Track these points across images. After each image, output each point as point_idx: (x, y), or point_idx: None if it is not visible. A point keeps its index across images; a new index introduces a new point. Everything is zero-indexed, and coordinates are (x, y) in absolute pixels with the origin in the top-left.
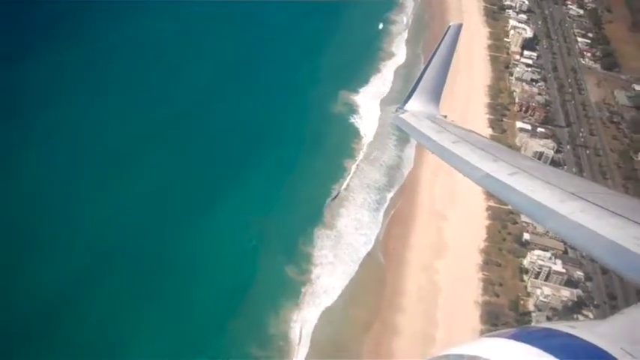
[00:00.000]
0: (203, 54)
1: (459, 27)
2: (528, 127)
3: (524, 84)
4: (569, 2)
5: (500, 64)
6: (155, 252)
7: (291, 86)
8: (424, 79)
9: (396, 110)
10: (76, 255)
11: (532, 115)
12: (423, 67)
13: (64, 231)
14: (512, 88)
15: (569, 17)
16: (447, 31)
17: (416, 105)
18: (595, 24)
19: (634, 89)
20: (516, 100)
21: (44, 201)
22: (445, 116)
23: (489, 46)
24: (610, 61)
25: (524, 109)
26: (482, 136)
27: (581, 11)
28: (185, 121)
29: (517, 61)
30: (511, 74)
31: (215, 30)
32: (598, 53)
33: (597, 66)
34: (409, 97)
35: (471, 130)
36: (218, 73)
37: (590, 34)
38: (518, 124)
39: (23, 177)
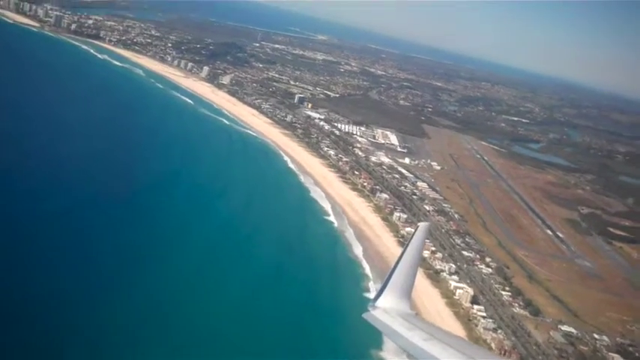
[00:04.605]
0: None
1: (427, 227)
2: None
3: (491, 332)
4: (478, 262)
5: (463, 317)
6: None
7: None
8: (394, 276)
9: (368, 306)
10: None
11: (509, 357)
12: (393, 265)
13: None
14: (484, 337)
15: (484, 276)
16: (415, 230)
17: (387, 301)
18: (505, 279)
19: (561, 329)
20: (493, 346)
21: None
22: (416, 313)
23: (446, 304)
24: (533, 309)
25: (502, 352)
26: (453, 334)
27: (490, 269)
28: None
29: (474, 314)
30: (476, 325)
31: None
32: (521, 303)
33: (527, 313)
34: (380, 293)
35: (441, 328)
36: None
37: (507, 288)
38: None
39: None
